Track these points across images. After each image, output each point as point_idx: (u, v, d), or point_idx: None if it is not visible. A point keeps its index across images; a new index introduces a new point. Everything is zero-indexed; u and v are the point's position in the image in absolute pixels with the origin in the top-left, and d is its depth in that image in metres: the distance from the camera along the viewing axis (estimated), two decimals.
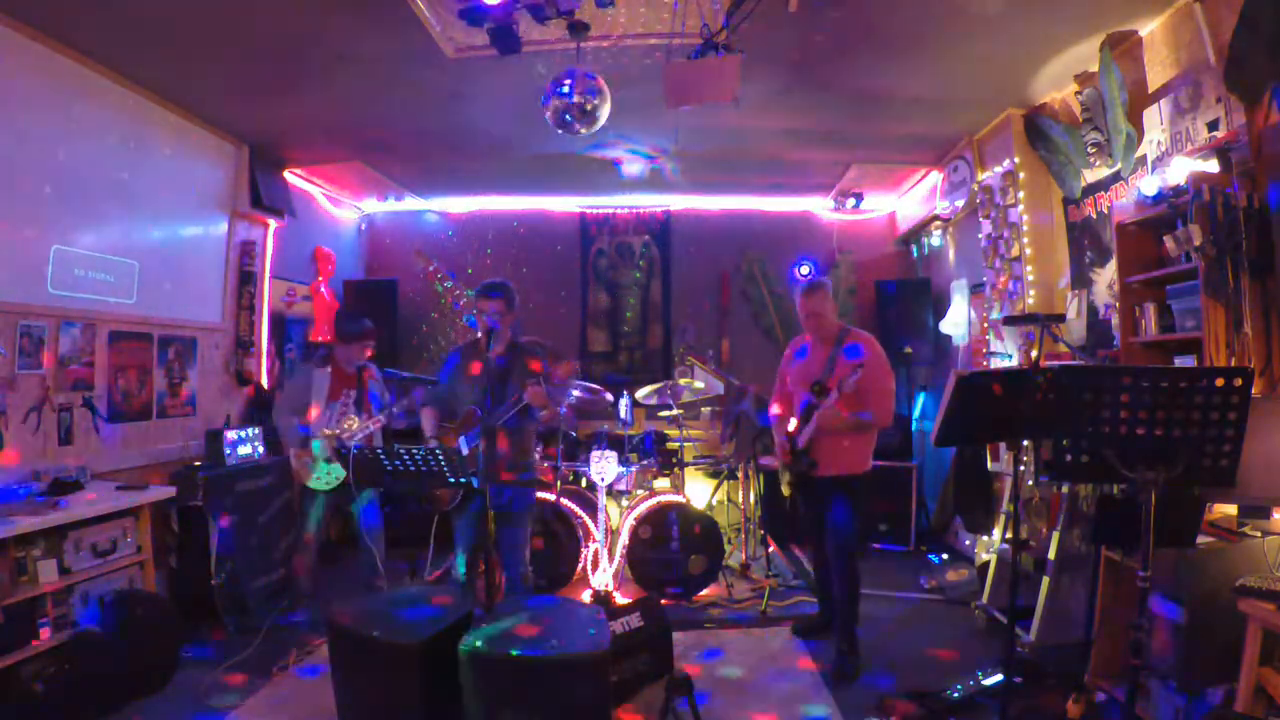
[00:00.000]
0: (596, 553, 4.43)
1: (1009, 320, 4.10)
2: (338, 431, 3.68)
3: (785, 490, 3.68)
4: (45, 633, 2.92)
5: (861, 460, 3.48)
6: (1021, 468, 3.47)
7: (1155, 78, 3.37)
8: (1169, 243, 3.04)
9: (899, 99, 4.29)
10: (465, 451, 3.17)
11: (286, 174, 5.50)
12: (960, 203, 5.22)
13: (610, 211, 6.79)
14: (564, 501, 4.48)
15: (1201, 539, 2.52)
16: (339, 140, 5.08)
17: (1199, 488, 2.31)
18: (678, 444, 5.03)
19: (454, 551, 3.40)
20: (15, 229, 3.29)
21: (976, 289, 5.23)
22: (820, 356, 3.54)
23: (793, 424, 3.55)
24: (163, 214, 4.28)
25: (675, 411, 4.89)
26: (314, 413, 3.71)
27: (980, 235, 4.92)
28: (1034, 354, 3.59)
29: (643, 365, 6.74)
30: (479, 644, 2.32)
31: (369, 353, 3.86)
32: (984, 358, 4.90)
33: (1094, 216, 4.00)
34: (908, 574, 4.81)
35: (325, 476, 3.68)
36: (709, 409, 6.47)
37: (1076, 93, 3.86)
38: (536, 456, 4.67)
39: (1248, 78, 2.71)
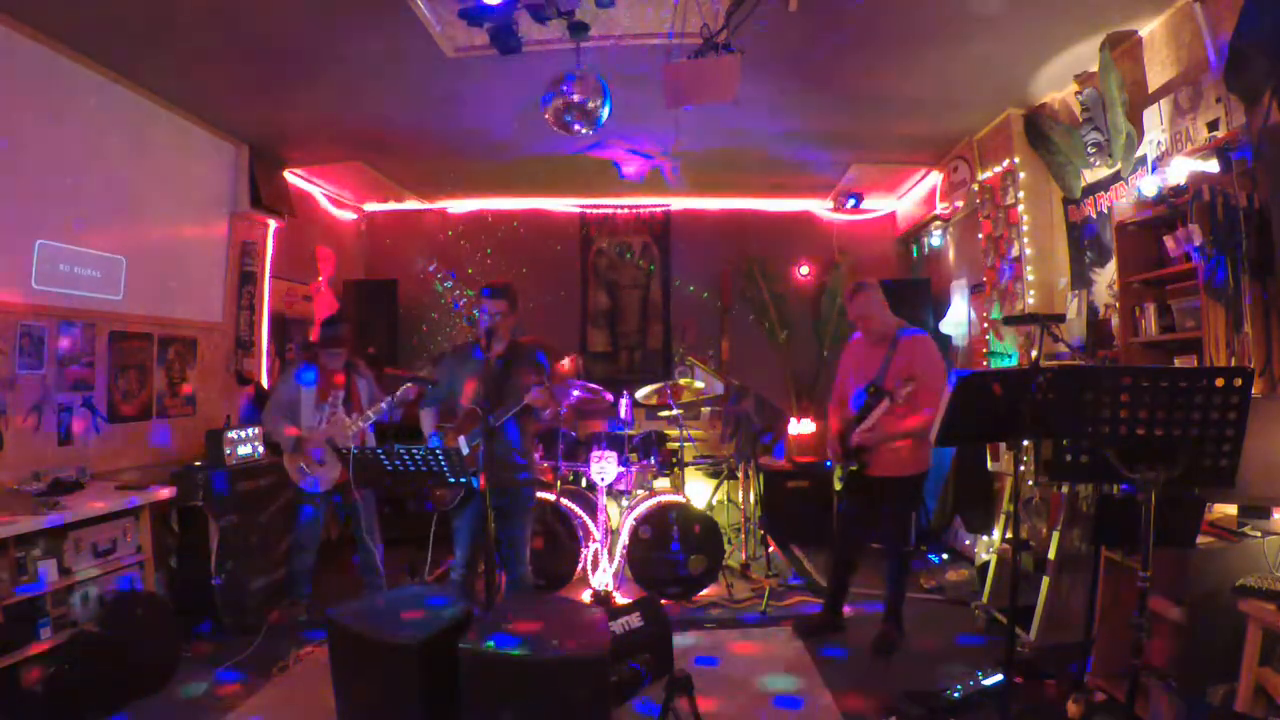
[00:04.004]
0: (596, 553, 4.43)
1: (1009, 320, 4.10)
2: (329, 432, 3.72)
3: (837, 485, 3.70)
4: (45, 632, 2.91)
5: (915, 461, 3.49)
6: (1021, 468, 3.47)
7: (1155, 78, 3.37)
8: (1169, 243, 3.04)
9: (899, 99, 4.29)
10: (466, 451, 3.18)
11: (286, 174, 5.50)
12: (960, 203, 5.22)
13: (610, 211, 6.79)
14: (564, 501, 4.47)
15: (1201, 539, 2.52)
16: (339, 140, 5.08)
17: (1199, 488, 2.31)
18: (678, 444, 5.03)
19: (453, 552, 3.40)
20: (5, 226, 3.27)
21: (976, 289, 5.23)
22: (876, 357, 3.55)
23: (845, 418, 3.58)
24: (162, 214, 4.27)
25: (675, 411, 4.89)
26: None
27: (980, 235, 4.92)
28: (1034, 353, 3.58)
29: (643, 365, 6.74)
30: (479, 644, 2.31)
31: (345, 352, 3.94)
32: (984, 358, 4.89)
33: (1094, 216, 4.00)
34: (908, 574, 4.79)
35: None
36: (709, 409, 6.46)
37: (1076, 93, 3.85)
38: (536, 456, 4.68)
39: (1248, 78, 2.70)
